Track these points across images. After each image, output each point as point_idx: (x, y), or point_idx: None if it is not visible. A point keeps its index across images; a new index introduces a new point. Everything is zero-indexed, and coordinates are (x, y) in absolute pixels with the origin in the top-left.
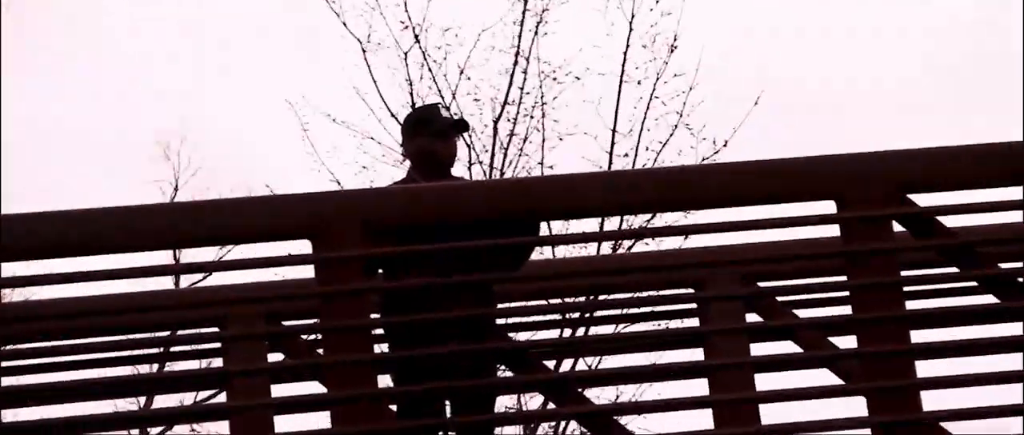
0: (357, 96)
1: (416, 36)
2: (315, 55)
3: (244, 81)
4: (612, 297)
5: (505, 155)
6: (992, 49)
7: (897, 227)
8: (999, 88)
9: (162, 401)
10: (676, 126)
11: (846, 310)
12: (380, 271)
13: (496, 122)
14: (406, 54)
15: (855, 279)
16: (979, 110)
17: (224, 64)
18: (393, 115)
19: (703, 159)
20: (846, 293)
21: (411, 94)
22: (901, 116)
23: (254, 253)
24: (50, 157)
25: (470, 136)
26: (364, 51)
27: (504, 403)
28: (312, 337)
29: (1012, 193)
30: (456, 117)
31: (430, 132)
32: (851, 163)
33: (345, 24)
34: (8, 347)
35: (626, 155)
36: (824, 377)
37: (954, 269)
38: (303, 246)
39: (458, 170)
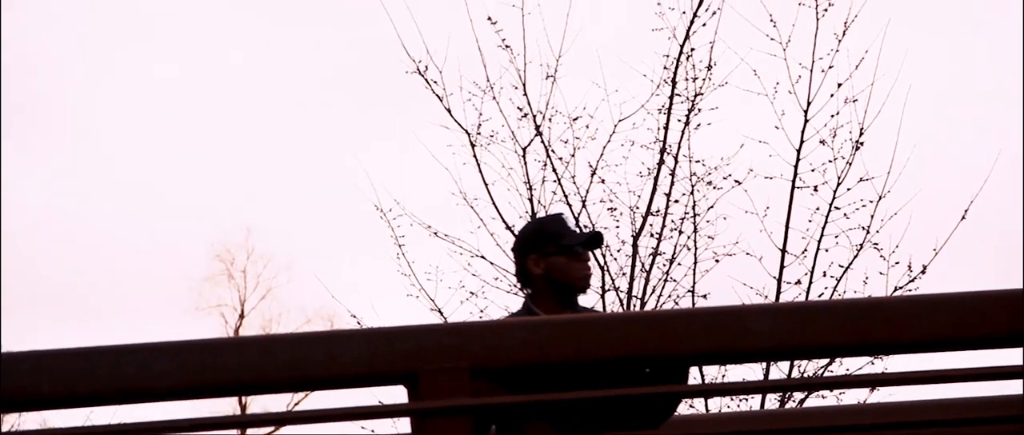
0: (464, 203)
1: (537, 127)
2: (412, 150)
3: (322, 183)
4: None
5: (647, 280)
6: None
7: None
8: None
9: None
10: (861, 246)
11: None
12: (493, 427)
13: (636, 238)
14: (525, 150)
15: None
16: None
17: (296, 161)
18: (508, 227)
19: (895, 289)
20: None
21: (531, 200)
22: None
23: (336, 402)
24: (86, 274)
25: (603, 255)
26: (473, 146)
27: None
28: None
29: None
30: (588, 230)
31: (558, 249)
32: None
33: (449, 111)
34: None
35: (798, 282)
36: None
37: None
38: (397, 394)
39: (587, 299)
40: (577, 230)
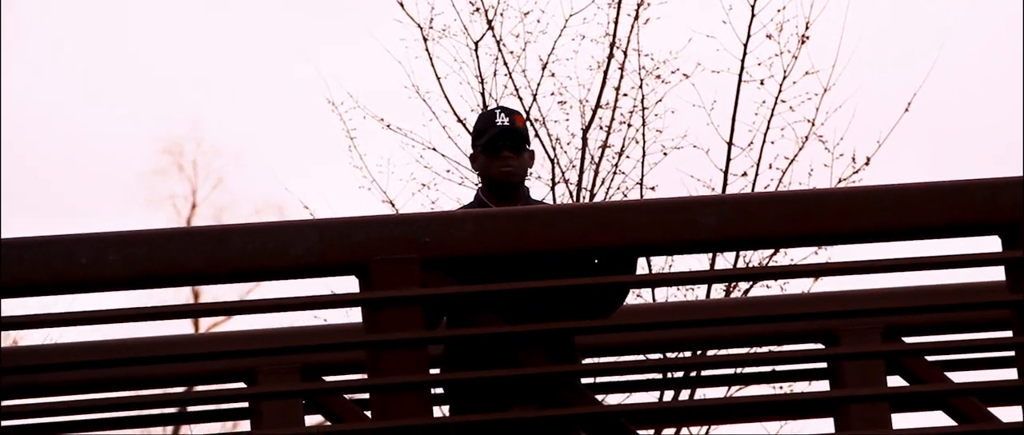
0: (416, 96)
1: (489, 21)
2: (364, 44)
3: (274, 76)
4: (723, 352)
5: (596, 173)
6: None
7: None
8: None
9: None
10: (807, 138)
11: (1012, 374)
12: (445, 317)
13: (586, 131)
14: (477, 44)
15: (1022, 335)
16: None
17: (248, 54)
18: (460, 120)
19: (840, 181)
20: (1011, 353)
21: (482, 94)
22: None
23: (288, 292)
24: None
25: (554, 148)
26: (425, 40)
27: None
28: (358, 396)
29: None
30: (506, 125)
31: (481, 147)
32: (1019, 189)
33: (402, 5)
34: None
35: (744, 174)
36: None
37: None
38: (348, 284)
39: (538, 191)
40: (501, 124)
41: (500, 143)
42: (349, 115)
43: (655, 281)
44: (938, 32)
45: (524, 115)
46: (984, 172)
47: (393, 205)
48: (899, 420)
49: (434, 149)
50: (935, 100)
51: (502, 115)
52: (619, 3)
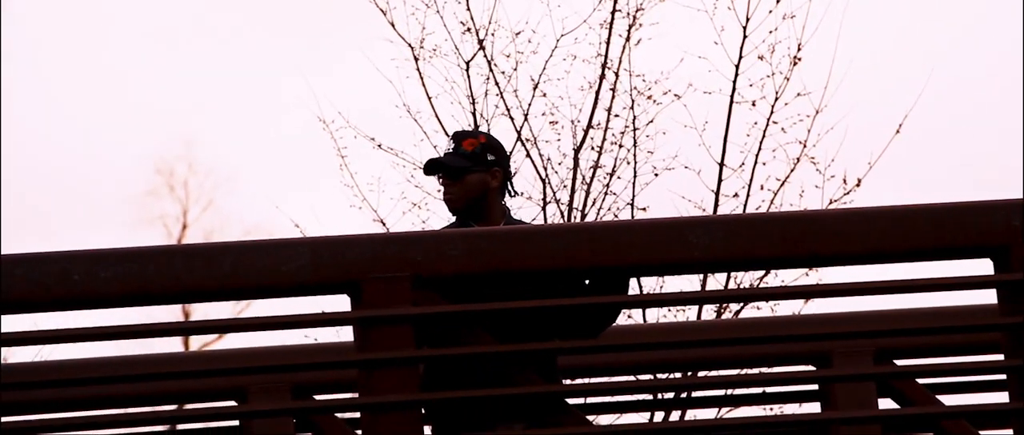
0: (407, 116)
1: (480, 41)
2: (356, 64)
3: (266, 96)
4: (715, 374)
5: (587, 193)
6: None
7: None
8: None
9: None
10: (798, 159)
11: (1003, 397)
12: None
13: (577, 151)
14: (468, 63)
15: (1015, 357)
16: None
17: (240, 73)
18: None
19: (831, 202)
20: (1003, 376)
21: (473, 113)
22: None
23: (279, 310)
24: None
25: (545, 168)
26: (416, 59)
27: None
28: (349, 415)
29: None
30: (436, 156)
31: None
32: (1011, 212)
33: (393, 25)
34: None
35: (736, 195)
36: None
37: None
38: (340, 302)
39: (528, 211)
40: (435, 154)
41: (429, 171)
42: (340, 134)
43: (646, 302)
44: (930, 54)
45: (480, 135)
46: (976, 194)
47: (384, 224)
48: None
49: None
50: (927, 122)
51: (449, 142)
52: (611, 24)
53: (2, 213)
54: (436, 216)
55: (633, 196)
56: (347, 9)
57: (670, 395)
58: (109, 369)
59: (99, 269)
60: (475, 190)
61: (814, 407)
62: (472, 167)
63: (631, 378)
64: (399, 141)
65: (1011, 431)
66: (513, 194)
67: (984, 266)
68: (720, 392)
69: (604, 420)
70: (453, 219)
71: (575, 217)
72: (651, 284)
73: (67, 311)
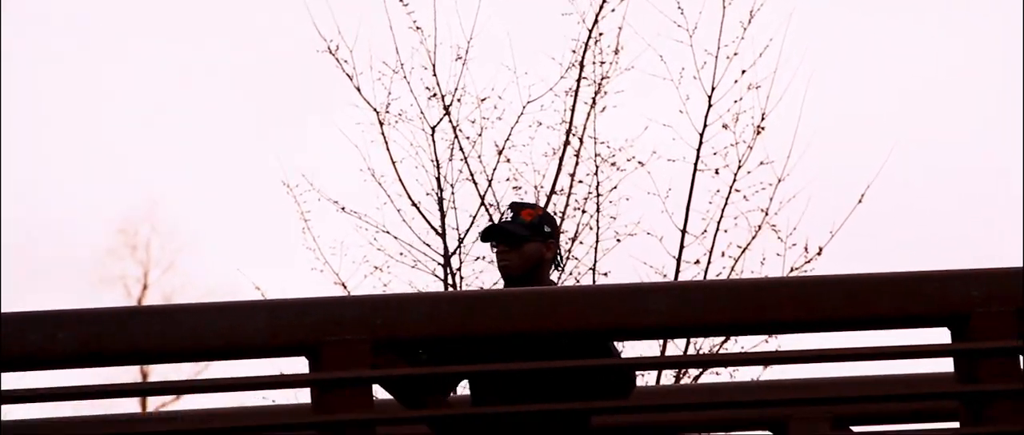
0: (371, 179)
1: (446, 107)
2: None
3: (231, 157)
4: None
5: None
6: None
7: None
8: None
9: None
10: (759, 227)
11: None
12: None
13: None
14: (433, 129)
15: (970, 426)
16: None
17: (206, 135)
18: (415, 204)
19: (791, 270)
20: None
21: (437, 178)
22: None
23: (238, 372)
24: None
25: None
26: (382, 124)
27: None
28: None
29: None
30: (497, 221)
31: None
32: (969, 282)
33: (359, 90)
34: None
35: (697, 262)
36: None
37: None
38: (299, 365)
39: (490, 275)
40: (494, 221)
41: (488, 237)
42: (304, 198)
43: (605, 366)
44: (893, 124)
45: (538, 207)
46: (935, 264)
47: (345, 287)
48: None
49: (388, 232)
50: (889, 192)
51: (508, 210)
52: (577, 91)
53: None
54: (397, 279)
55: (595, 261)
56: (313, 74)
57: None
58: (66, 430)
59: (56, 330)
60: (531, 260)
61: None
62: (531, 237)
63: None
64: (362, 204)
65: None
66: (561, 268)
67: (942, 335)
68: None
69: None
70: (417, 284)
71: None
72: None
73: (23, 372)
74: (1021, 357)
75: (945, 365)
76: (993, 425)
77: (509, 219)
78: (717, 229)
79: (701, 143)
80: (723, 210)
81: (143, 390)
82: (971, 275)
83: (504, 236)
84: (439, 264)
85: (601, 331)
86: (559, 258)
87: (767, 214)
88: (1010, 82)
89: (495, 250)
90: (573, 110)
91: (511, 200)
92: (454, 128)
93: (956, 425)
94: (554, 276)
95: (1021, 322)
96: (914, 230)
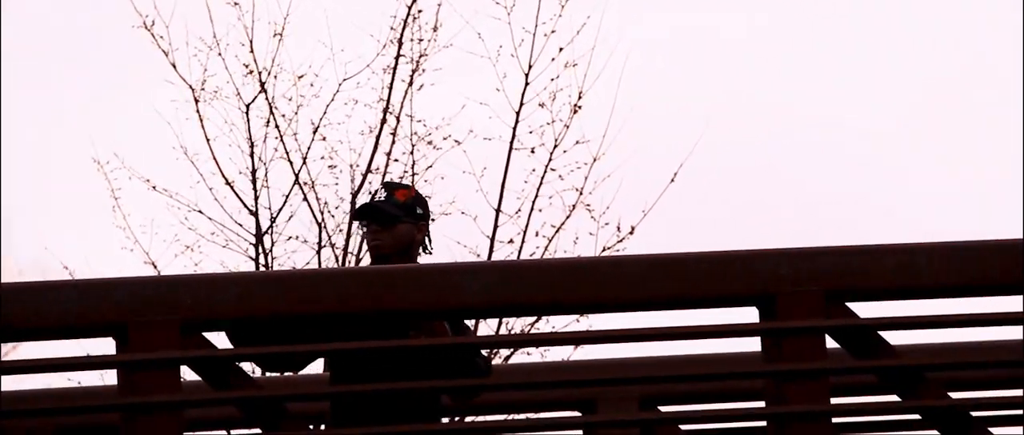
0: (185, 158)
1: (262, 84)
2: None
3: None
4: (482, 419)
5: (363, 237)
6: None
7: (831, 343)
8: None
9: None
10: (574, 206)
11: None
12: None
13: (355, 195)
14: (248, 106)
15: (776, 405)
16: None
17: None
18: (229, 183)
19: (605, 249)
20: (763, 423)
21: (252, 156)
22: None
23: (44, 353)
24: None
25: (322, 212)
26: (197, 101)
27: None
28: None
29: (973, 305)
30: (370, 201)
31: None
32: (777, 261)
33: (174, 66)
34: None
35: (511, 241)
36: None
37: (895, 398)
38: (106, 345)
39: (302, 255)
40: (369, 199)
41: (360, 216)
42: (115, 175)
43: (415, 346)
44: (707, 104)
45: (412, 188)
46: (746, 244)
47: (156, 267)
48: None
49: (200, 211)
50: (701, 172)
51: (381, 190)
52: (394, 69)
53: None
54: (209, 259)
55: None
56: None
57: None
58: None
59: None
60: (403, 240)
61: None
62: (403, 217)
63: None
64: (175, 183)
65: None
66: (430, 251)
67: (750, 314)
68: None
69: None
70: (229, 265)
71: (350, 261)
72: None
73: None
74: (826, 336)
75: (754, 344)
76: (798, 404)
77: (383, 199)
78: (532, 208)
79: (517, 121)
80: (538, 189)
81: None
82: (779, 254)
83: (377, 215)
84: (251, 244)
85: (412, 311)
86: (429, 241)
87: (581, 193)
88: (818, 54)
89: (367, 229)
90: (391, 88)
91: (386, 181)
92: (270, 105)
93: (762, 404)
94: (423, 259)
95: (827, 302)
96: (727, 210)
